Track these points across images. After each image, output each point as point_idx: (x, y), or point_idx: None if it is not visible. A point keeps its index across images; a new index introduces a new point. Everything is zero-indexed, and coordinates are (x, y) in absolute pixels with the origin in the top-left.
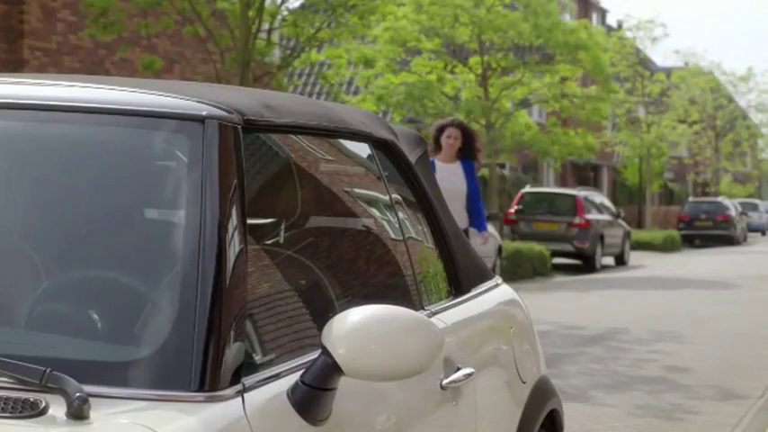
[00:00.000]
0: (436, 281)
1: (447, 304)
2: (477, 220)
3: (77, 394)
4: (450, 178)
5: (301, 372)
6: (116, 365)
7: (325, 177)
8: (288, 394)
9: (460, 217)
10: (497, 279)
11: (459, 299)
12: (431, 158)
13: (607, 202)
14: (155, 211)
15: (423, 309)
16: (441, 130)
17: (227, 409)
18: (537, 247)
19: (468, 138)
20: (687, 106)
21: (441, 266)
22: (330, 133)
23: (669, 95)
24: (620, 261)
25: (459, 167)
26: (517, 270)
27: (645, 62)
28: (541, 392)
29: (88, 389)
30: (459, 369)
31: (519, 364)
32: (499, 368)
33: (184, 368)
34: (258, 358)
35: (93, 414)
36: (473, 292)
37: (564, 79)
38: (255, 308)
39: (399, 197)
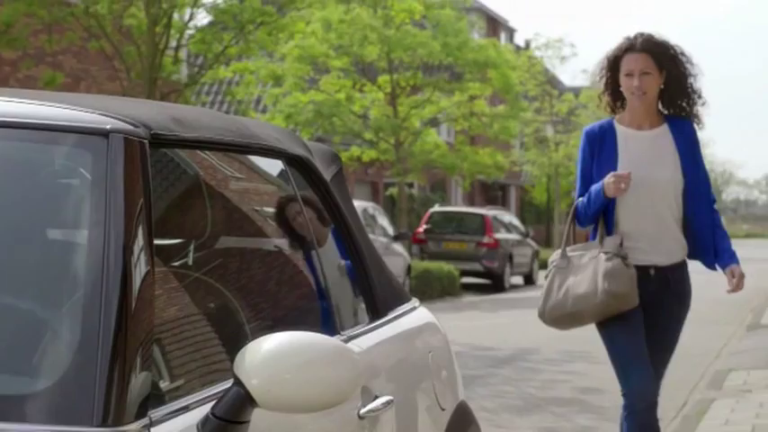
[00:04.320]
0: (352, 304)
1: (364, 328)
2: (722, 247)
3: None
4: (646, 158)
5: (212, 403)
6: (12, 399)
7: (237, 195)
8: (198, 428)
9: (675, 239)
10: (414, 301)
11: (377, 323)
12: (609, 118)
13: (516, 222)
14: (55, 232)
15: (339, 333)
16: (615, 60)
17: None
18: (446, 266)
19: (674, 70)
20: None
21: (357, 289)
22: (242, 149)
23: (577, 114)
24: (529, 280)
25: (666, 135)
26: (426, 290)
27: (553, 81)
28: (461, 419)
29: None
30: (377, 397)
31: (438, 391)
32: (418, 395)
33: (86, 401)
34: (166, 389)
35: None
36: (390, 316)
37: (473, 98)
38: (163, 335)
39: (314, 216)
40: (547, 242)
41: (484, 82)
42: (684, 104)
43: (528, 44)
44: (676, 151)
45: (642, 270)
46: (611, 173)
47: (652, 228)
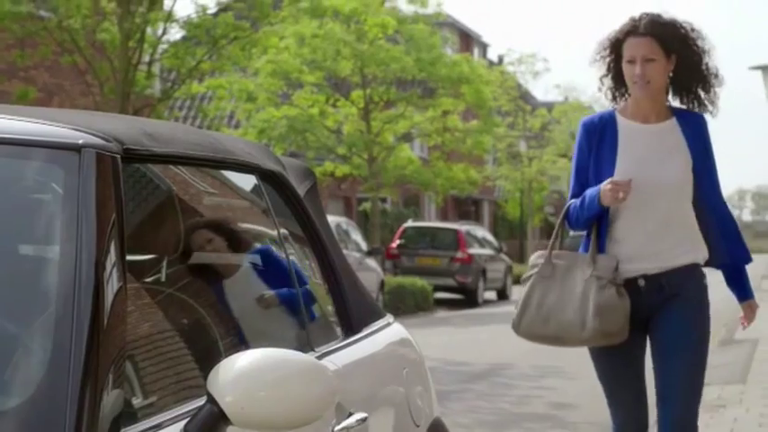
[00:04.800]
0: (326, 320)
1: (338, 345)
2: (747, 280)
3: None
4: (651, 156)
5: (185, 421)
6: None
7: (210, 211)
8: None
9: (677, 240)
10: (389, 317)
11: (351, 339)
12: (611, 108)
13: (489, 237)
14: (26, 247)
15: (313, 350)
16: (617, 43)
17: None
18: (419, 281)
19: (686, 52)
20: (568, 140)
21: (331, 305)
22: (215, 164)
23: (550, 130)
24: (503, 295)
25: (675, 130)
26: (400, 305)
27: (526, 96)
28: None
29: None
30: (351, 414)
31: (412, 407)
32: (392, 412)
33: (58, 419)
34: (138, 407)
35: None
36: (364, 332)
37: (446, 113)
38: (136, 351)
39: (287, 231)
40: (520, 257)
41: (457, 97)
42: (700, 89)
43: (501, 59)
44: (687, 149)
45: (631, 283)
46: (609, 179)
47: (646, 233)
